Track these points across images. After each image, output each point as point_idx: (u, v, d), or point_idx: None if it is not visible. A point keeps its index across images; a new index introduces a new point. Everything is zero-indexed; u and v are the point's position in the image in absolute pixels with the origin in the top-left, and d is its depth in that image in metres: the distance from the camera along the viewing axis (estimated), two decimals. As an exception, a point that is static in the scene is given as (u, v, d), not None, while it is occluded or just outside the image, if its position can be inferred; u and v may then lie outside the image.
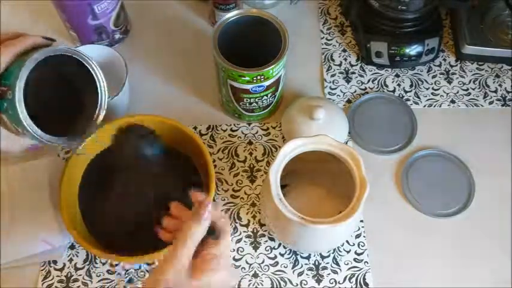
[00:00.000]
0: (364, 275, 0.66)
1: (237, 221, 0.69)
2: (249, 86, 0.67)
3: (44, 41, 0.49)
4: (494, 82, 0.81)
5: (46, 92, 0.52)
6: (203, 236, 0.46)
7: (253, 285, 0.65)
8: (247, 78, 0.66)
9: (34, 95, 0.46)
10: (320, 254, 0.67)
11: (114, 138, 0.58)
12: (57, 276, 0.66)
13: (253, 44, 0.69)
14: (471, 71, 0.82)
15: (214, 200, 0.70)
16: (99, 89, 0.52)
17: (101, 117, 0.53)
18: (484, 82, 0.81)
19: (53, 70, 0.50)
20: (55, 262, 0.66)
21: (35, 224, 0.65)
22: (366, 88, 0.80)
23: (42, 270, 0.66)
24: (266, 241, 0.68)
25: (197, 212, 0.46)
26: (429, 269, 0.67)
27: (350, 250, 0.68)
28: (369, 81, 0.81)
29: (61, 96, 0.54)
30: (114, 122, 0.65)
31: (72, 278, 0.66)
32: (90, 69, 0.51)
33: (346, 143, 0.75)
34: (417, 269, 0.67)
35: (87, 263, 0.66)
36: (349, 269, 0.66)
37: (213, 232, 0.47)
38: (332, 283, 0.66)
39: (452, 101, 0.79)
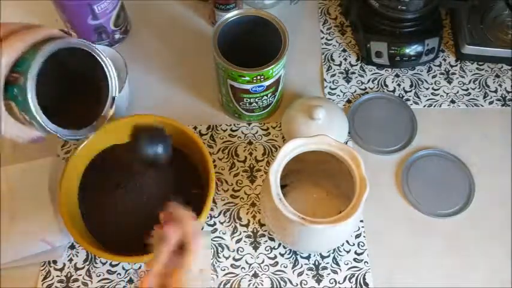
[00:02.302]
0: (364, 275, 0.66)
1: (237, 221, 0.69)
2: (249, 86, 0.67)
3: (60, 33, 0.49)
4: (494, 82, 0.81)
5: (57, 84, 0.52)
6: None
7: (253, 285, 0.65)
8: (247, 78, 0.66)
9: (45, 85, 0.46)
10: (320, 254, 0.67)
11: (129, 137, 0.57)
12: (57, 276, 0.66)
13: (253, 44, 0.69)
14: (471, 71, 0.82)
15: (214, 201, 0.70)
16: (109, 85, 0.52)
17: (109, 113, 0.53)
18: (484, 82, 0.81)
19: (66, 63, 0.50)
20: (55, 262, 0.66)
21: (35, 224, 0.65)
22: (366, 88, 0.80)
23: (42, 270, 0.66)
24: (266, 241, 0.68)
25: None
26: (429, 269, 0.67)
27: (350, 250, 0.68)
28: (369, 81, 0.81)
29: (72, 89, 0.54)
30: (114, 122, 0.66)
31: (72, 278, 0.66)
32: (103, 65, 0.51)
33: (346, 143, 0.75)
34: (417, 269, 0.67)
35: (87, 263, 0.66)
36: (349, 269, 0.66)
37: None
38: (332, 283, 0.66)
39: (452, 101, 0.79)
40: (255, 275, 0.66)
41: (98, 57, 0.51)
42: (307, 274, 0.66)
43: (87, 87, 0.54)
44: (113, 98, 0.52)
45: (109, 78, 0.52)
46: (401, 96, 0.79)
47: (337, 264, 0.67)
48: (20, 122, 0.48)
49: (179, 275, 0.46)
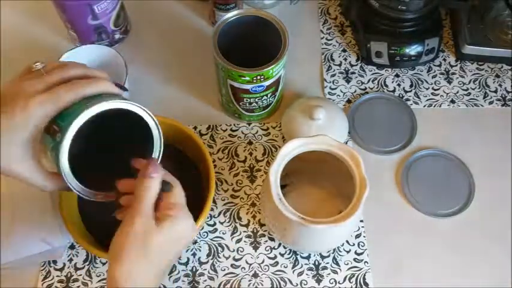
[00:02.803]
0: (364, 275, 0.66)
1: (237, 221, 0.69)
2: (249, 86, 0.67)
3: (113, 89, 0.48)
4: (494, 82, 0.81)
5: (94, 142, 0.49)
6: (159, 189, 0.48)
7: (253, 285, 0.65)
8: (247, 78, 0.66)
9: (82, 138, 0.44)
10: (320, 254, 0.67)
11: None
12: (57, 276, 0.66)
13: (253, 44, 0.69)
14: (471, 71, 0.82)
15: (214, 201, 0.70)
16: (154, 151, 0.51)
17: None
18: (484, 82, 0.81)
19: (107, 119, 0.48)
20: (55, 262, 0.66)
21: (35, 224, 0.65)
22: (366, 88, 0.80)
23: (42, 270, 0.66)
24: (266, 241, 0.68)
25: (146, 170, 0.48)
26: (429, 269, 0.67)
27: (350, 250, 0.68)
28: (369, 81, 0.81)
29: (110, 147, 0.51)
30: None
31: (72, 278, 0.66)
32: (153, 130, 0.49)
33: (346, 143, 0.75)
34: (417, 269, 0.67)
35: (87, 263, 0.66)
36: (349, 269, 0.66)
37: (166, 187, 0.49)
38: (332, 283, 0.66)
39: (452, 101, 0.79)
40: (255, 275, 0.66)
41: (150, 123, 0.48)
42: (307, 274, 0.66)
43: (128, 146, 0.51)
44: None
45: (155, 148, 0.51)
46: (401, 96, 0.79)
47: (337, 264, 0.67)
48: (51, 172, 0.47)
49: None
